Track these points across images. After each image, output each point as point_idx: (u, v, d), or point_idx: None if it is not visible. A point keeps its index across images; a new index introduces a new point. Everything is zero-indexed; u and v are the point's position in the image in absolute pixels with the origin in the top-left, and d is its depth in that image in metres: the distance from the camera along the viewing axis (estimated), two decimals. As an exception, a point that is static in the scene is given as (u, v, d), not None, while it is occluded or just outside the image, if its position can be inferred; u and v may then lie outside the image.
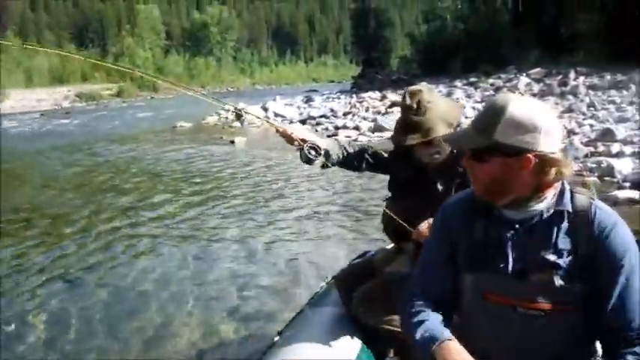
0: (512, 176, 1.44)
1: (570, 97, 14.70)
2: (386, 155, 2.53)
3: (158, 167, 12.06)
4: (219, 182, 9.95)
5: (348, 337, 2.30)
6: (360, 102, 22.34)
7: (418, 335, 1.52)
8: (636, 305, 1.44)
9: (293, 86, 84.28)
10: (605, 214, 1.48)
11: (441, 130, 2.20)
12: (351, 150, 2.56)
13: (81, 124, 26.91)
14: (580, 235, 1.46)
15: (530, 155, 1.40)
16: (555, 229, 1.48)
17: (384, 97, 21.84)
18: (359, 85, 35.21)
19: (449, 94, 17.91)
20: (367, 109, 19.43)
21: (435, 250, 1.66)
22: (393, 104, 18.62)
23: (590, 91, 14.87)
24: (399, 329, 2.09)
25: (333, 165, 2.52)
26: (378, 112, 18.08)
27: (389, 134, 10.80)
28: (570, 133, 10.16)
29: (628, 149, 8.14)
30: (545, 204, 1.48)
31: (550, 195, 1.49)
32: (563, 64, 20.19)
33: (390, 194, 2.62)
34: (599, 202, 1.51)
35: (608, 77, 16.31)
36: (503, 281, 1.50)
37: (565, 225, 1.48)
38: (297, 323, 2.53)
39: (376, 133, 14.04)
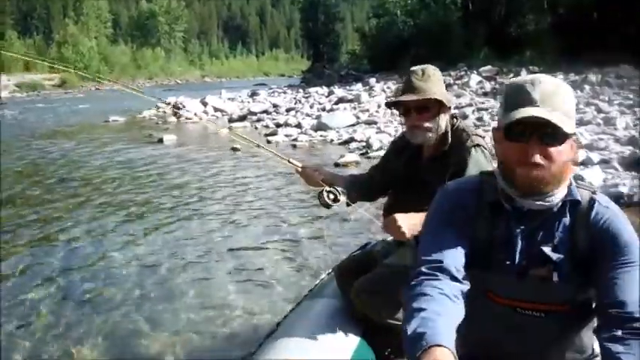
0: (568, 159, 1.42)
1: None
2: (384, 160, 2.62)
3: (68, 171, 10.23)
4: (128, 191, 8.46)
5: (347, 330, 2.29)
6: (307, 97, 21.57)
7: (411, 328, 1.28)
8: (633, 295, 1.36)
9: (243, 79, 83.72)
10: (604, 207, 1.45)
11: (437, 96, 2.27)
12: (365, 179, 2.64)
13: (10, 117, 24.83)
14: (580, 228, 1.43)
15: (575, 137, 1.42)
16: (559, 222, 1.44)
17: (331, 93, 21.03)
18: (307, 80, 35.05)
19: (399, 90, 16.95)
20: (312, 106, 18.43)
21: (445, 225, 1.50)
22: (340, 100, 17.84)
23: (544, 91, 14.15)
24: (397, 321, 2.06)
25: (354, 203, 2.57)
26: (323, 109, 17.05)
27: (332, 133, 9.56)
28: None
29: (595, 156, 7.22)
30: (563, 193, 1.44)
31: (567, 183, 1.45)
32: (513, 63, 19.87)
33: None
34: (600, 195, 1.47)
35: (561, 77, 15.70)
36: (505, 280, 1.45)
37: (567, 219, 1.44)
38: (295, 315, 2.51)
39: (319, 132, 12.96)
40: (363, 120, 13.91)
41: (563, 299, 1.42)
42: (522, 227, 1.44)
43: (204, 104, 21.24)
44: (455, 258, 1.44)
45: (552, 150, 1.35)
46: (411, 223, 2.12)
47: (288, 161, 2.69)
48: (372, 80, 22.78)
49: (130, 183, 8.93)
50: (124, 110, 21.55)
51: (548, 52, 21.72)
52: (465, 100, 14.92)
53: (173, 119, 19.32)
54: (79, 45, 73.39)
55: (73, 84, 54.07)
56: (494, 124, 1.48)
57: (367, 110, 15.30)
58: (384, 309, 2.28)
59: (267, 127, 15.37)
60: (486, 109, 12.87)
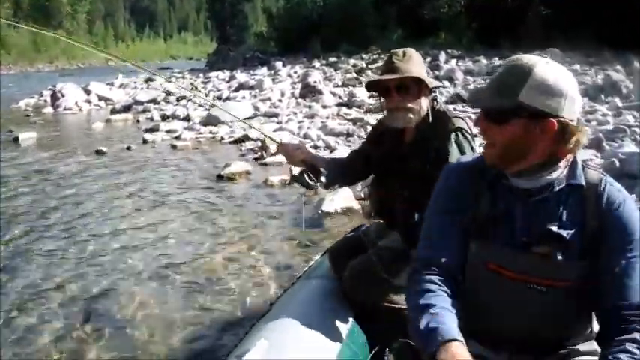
0: (531, 141, 1.37)
1: (447, 82, 12.38)
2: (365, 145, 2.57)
3: None
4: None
5: (339, 312, 2.25)
6: (205, 83, 19.36)
7: (423, 323, 1.36)
8: (637, 285, 1.38)
9: (150, 63, 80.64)
10: (615, 189, 1.44)
11: (417, 75, 2.21)
12: (346, 164, 2.56)
13: None
14: (589, 210, 1.41)
15: (553, 120, 1.35)
16: (564, 203, 1.42)
17: (232, 78, 19.09)
18: (212, 63, 33.75)
19: (306, 76, 14.99)
20: (208, 93, 16.14)
21: (442, 215, 1.55)
22: (241, 87, 15.84)
23: (468, 77, 12.67)
24: (389, 303, 2.21)
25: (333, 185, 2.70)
26: (220, 97, 14.86)
27: (224, 129, 11.03)
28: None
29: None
30: (557, 174, 1.43)
31: (563, 166, 1.43)
32: (428, 46, 19.17)
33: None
34: (609, 178, 1.46)
35: (484, 62, 14.33)
36: (506, 252, 1.45)
37: (575, 199, 1.42)
38: (288, 296, 2.46)
39: (208, 127, 10.80)
40: (262, 111, 11.87)
41: (564, 276, 1.40)
42: (521, 204, 1.44)
43: (88, 92, 18.52)
44: (449, 253, 1.49)
45: (494, 129, 1.39)
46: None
47: (270, 138, 2.90)
48: (279, 64, 20.90)
49: None
50: (6, 98, 19.02)
51: (465, 36, 20.85)
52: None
53: (50, 110, 16.89)
54: (-28, 26, 68.85)
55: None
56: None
57: (269, 99, 13.32)
58: (377, 291, 2.25)
59: (151, 119, 13.00)
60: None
